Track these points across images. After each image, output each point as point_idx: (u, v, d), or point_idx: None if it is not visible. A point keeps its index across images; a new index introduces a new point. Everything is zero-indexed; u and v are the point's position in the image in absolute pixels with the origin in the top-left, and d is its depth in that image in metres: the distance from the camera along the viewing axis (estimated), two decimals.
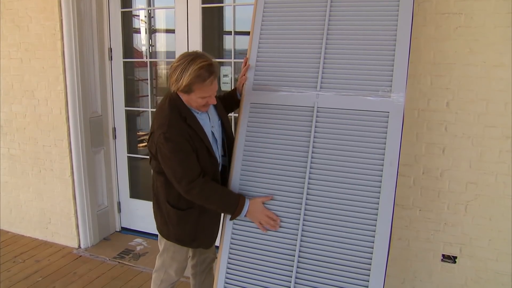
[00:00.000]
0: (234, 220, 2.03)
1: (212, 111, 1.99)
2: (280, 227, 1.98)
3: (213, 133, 1.94)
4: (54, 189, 3.43)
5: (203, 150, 1.86)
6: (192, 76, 1.69)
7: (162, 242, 2.09)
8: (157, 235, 2.12)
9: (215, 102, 1.83)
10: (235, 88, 2.20)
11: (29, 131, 3.42)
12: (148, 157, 2.00)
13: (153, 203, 2.06)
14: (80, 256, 3.32)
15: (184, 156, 1.79)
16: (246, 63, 2.13)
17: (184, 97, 1.82)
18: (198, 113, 1.88)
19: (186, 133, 1.79)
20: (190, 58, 1.72)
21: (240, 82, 2.14)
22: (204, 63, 1.71)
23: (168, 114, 1.81)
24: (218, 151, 1.97)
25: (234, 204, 1.89)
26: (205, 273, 2.29)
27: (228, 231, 2.04)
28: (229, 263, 2.04)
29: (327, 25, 2.03)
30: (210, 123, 1.94)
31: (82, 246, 3.44)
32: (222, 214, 2.06)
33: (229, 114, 2.32)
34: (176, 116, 1.81)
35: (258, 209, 1.92)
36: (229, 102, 2.18)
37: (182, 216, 1.94)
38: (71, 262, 3.24)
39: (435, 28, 2.23)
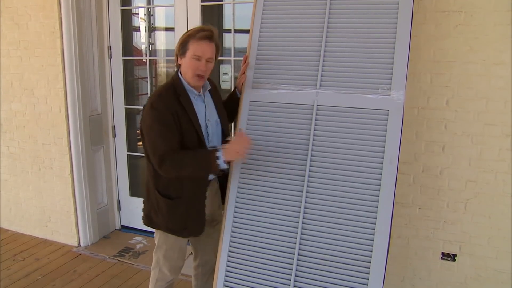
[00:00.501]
0: (234, 218, 2.03)
1: (211, 106, 2.00)
2: (280, 225, 1.98)
3: (206, 126, 1.94)
4: (54, 187, 3.43)
5: (192, 132, 1.86)
6: (189, 33, 1.86)
7: (156, 237, 2.08)
8: (155, 232, 2.11)
9: (203, 68, 1.85)
10: (234, 90, 2.20)
11: (29, 129, 3.42)
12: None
13: (143, 192, 2.05)
14: (80, 254, 3.33)
15: (164, 129, 1.80)
16: (245, 61, 2.13)
17: (182, 67, 1.88)
18: (194, 97, 1.91)
19: (173, 109, 1.82)
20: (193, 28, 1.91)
21: (240, 81, 2.14)
22: (204, 26, 1.89)
23: (163, 88, 1.91)
24: (209, 146, 1.95)
25: (207, 155, 1.81)
26: (207, 275, 2.26)
27: (227, 229, 2.05)
28: (228, 261, 2.04)
29: (326, 23, 2.03)
30: (206, 115, 1.94)
31: (82, 244, 3.45)
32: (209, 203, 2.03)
33: None
34: (169, 91, 1.87)
35: (230, 145, 1.81)
36: (230, 104, 2.17)
37: (171, 205, 1.93)
38: (71, 260, 3.24)
39: (435, 26, 2.23)
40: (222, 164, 1.79)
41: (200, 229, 2.02)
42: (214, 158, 1.77)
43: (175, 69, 1.97)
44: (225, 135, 2.04)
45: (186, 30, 1.94)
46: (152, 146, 1.83)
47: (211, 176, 2.03)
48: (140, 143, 3.72)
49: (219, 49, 1.96)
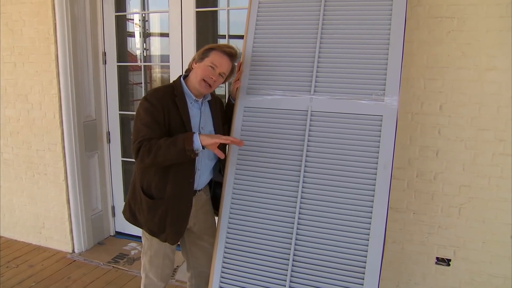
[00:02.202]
0: (228, 224, 2.03)
1: (207, 116, 1.99)
2: (275, 230, 1.98)
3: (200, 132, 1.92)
4: (48, 194, 3.41)
5: (179, 128, 1.85)
6: (217, 45, 1.94)
7: (143, 241, 2.07)
8: None
9: (215, 77, 1.88)
10: (229, 96, 2.21)
11: (23, 135, 3.40)
12: None
13: (130, 190, 2.03)
14: (74, 260, 3.30)
15: (152, 120, 1.80)
16: (239, 68, 2.13)
17: (194, 70, 1.91)
18: (191, 102, 1.92)
19: (166, 105, 1.83)
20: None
21: (234, 87, 2.15)
22: (229, 45, 1.98)
23: (161, 87, 1.95)
24: (201, 156, 1.92)
25: (180, 139, 1.73)
26: (202, 286, 2.21)
27: (222, 235, 2.04)
28: (223, 267, 2.03)
29: (320, 29, 2.04)
30: (200, 122, 1.94)
31: (76, 250, 3.42)
32: (193, 211, 1.98)
33: None
34: (167, 90, 1.90)
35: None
36: (228, 113, 2.17)
37: (151, 205, 1.91)
38: (65, 267, 3.21)
39: (428, 32, 2.24)
40: (197, 145, 1.72)
41: (176, 237, 1.96)
42: (189, 137, 1.72)
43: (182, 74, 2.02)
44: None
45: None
46: (135, 134, 1.83)
47: (199, 186, 2.00)
48: None
49: (233, 72, 2.02)
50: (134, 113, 3.59)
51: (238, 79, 2.13)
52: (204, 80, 1.87)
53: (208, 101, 2.00)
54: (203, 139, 1.73)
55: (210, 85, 1.88)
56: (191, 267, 2.22)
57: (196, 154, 1.75)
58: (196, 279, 2.23)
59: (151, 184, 1.91)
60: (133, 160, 3.27)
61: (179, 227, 1.95)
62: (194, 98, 1.92)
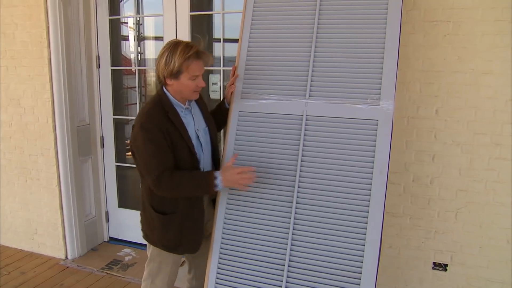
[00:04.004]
0: (223, 229, 2.01)
1: (198, 116, 1.98)
2: (270, 236, 1.96)
3: (197, 136, 1.92)
4: (41, 199, 3.37)
5: (183, 148, 1.83)
6: (182, 54, 1.75)
7: (149, 250, 2.04)
8: (146, 244, 2.07)
9: (204, 84, 1.85)
10: (222, 100, 2.18)
11: (15, 140, 3.36)
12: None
13: (140, 209, 2.03)
14: (67, 267, 3.26)
15: (157, 149, 1.76)
16: (234, 72, 2.12)
17: (173, 86, 1.83)
18: (182, 111, 1.88)
19: (164, 127, 1.79)
20: (174, 43, 1.81)
21: (229, 91, 2.13)
22: (189, 43, 1.82)
23: (150, 107, 1.84)
24: (203, 155, 1.94)
25: (205, 178, 1.80)
26: None
27: (217, 239, 2.02)
28: (218, 272, 2.01)
29: (315, 33, 2.03)
30: (194, 125, 1.92)
31: (69, 257, 3.38)
32: (205, 217, 2.01)
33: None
34: (157, 109, 1.82)
35: (231, 172, 1.81)
36: (219, 114, 2.16)
37: (165, 221, 1.90)
38: (58, 273, 3.17)
39: (423, 35, 2.24)
40: (219, 187, 1.80)
41: (196, 246, 1.99)
42: (212, 180, 1.78)
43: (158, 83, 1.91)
44: (213, 143, 2.01)
45: (168, 46, 1.81)
46: (146, 167, 1.79)
47: None
48: (129, 153, 3.70)
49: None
50: (129, 117, 3.61)
51: (233, 83, 2.11)
52: (195, 91, 1.86)
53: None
54: (225, 182, 1.79)
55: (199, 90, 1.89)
56: (193, 268, 2.21)
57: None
58: (196, 281, 2.21)
59: (162, 200, 1.88)
60: (127, 165, 3.25)
61: (198, 235, 1.98)
62: (184, 106, 1.90)
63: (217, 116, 2.14)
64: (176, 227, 1.91)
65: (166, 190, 1.79)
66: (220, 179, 1.79)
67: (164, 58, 1.79)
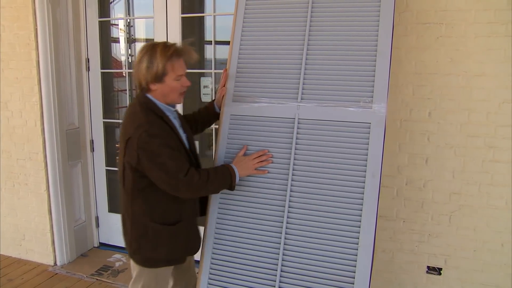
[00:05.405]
0: (215, 234, 1.99)
1: (181, 119, 1.95)
2: (262, 240, 1.94)
3: (187, 137, 1.90)
4: (29, 204, 3.31)
5: (181, 148, 1.80)
6: (163, 54, 1.70)
7: (135, 271, 1.92)
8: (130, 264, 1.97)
9: (189, 83, 1.82)
10: (211, 102, 2.15)
11: (2, 144, 3.30)
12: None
13: (128, 233, 1.88)
14: (56, 273, 3.20)
15: (173, 151, 1.71)
16: (225, 74, 2.08)
17: (157, 91, 1.75)
18: (170, 115, 1.83)
19: (166, 130, 1.75)
20: (150, 45, 1.74)
21: (220, 94, 2.10)
22: (166, 42, 1.76)
23: (144, 115, 1.73)
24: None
25: (227, 170, 1.83)
26: None
27: (209, 244, 1.99)
28: (210, 278, 1.98)
29: (307, 35, 2.01)
30: (182, 128, 1.89)
31: (58, 263, 3.32)
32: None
33: (210, 127, 2.27)
34: (153, 115, 1.75)
35: (244, 160, 1.89)
36: (205, 116, 2.13)
37: (173, 232, 1.82)
38: (47, 280, 3.11)
39: (416, 38, 2.23)
40: (237, 178, 1.85)
41: (199, 244, 1.99)
42: (233, 172, 1.83)
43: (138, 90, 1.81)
44: (193, 150, 1.94)
45: (145, 50, 1.72)
46: (167, 171, 1.68)
47: None
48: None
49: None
50: (119, 121, 3.55)
51: (224, 86, 2.08)
52: (181, 93, 1.81)
53: None
54: (240, 171, 1.87)
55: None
56: (178, 283, 2.11)
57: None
58: None
59: (166, 211, 1.81)
60: (117, 168, 3.17)
61: (199, 235, 1.99)
62: (173, 109, 1.86)
63: (203, 118, 2.12)
64: (183, 235, 1.86)
65: (197, 186, 1.72)
66: (236, 170, 1.84)
67: (145, 62, 1.70)
